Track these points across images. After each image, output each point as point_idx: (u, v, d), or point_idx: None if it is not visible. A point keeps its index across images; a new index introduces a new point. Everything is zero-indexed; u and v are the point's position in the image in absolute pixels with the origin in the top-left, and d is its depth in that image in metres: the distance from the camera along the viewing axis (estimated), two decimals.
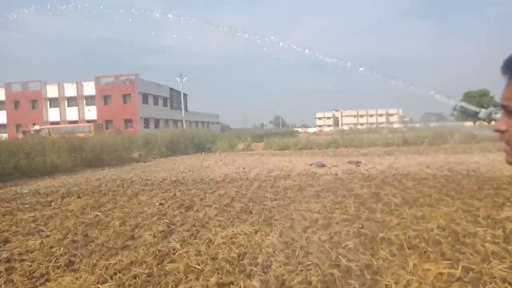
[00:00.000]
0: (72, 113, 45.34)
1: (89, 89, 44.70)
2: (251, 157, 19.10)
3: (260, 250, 4.04)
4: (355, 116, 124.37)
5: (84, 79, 45.47)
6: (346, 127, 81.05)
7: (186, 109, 49.98)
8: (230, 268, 3.55)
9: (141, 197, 7.83)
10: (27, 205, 7.43)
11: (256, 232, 4.72)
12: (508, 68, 0.83)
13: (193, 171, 12.99)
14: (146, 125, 44.56)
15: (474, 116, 1.59)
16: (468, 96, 45.01)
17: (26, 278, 3.52)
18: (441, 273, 3.12)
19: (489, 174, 9.42)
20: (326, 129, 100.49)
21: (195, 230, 5.04)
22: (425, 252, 3.75)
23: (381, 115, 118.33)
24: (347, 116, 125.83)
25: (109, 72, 49.67)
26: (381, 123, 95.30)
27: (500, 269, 3.16)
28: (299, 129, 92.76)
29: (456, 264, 3.32)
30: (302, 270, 3.41)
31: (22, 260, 4.04)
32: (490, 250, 3.69)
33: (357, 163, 13.55)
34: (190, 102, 56.80)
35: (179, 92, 47.51)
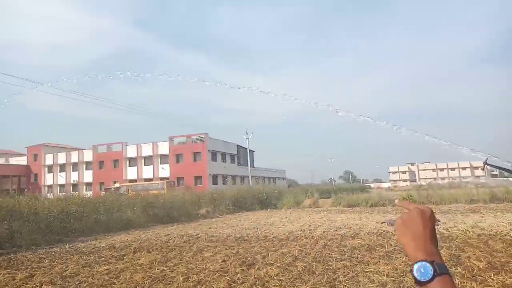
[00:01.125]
0: (147, 171, 48.91)
1: (163, 148, 48.31)
2: (317, 214, 18.56)
3: None
4: (433, 170, 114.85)
5: (159, 139, 49.47)
6: (424, 182, 75.49)
7: (252, 165, 51.19)
8: None
9: (205, 253, 7.94)
10: (103, 258, 7.93)
11: None
12: None
13: (257, 228, 12.94)
14: (215, 182, 46.18)
15: None
16: None
17: None
18: None
19: None
20: (402, 184, 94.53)
21: None
22: None
23: (464, 169, 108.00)
24: (424, 170, 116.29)
25: (181, 131, 53.31)
26: (465, 177, 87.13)
27: None
28: (372, 185, 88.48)
29: None
30: None
31: None
32: None
33: (436, 221, 12.42)
34: (257, 158, 58.21)
35: (246, 149, 49.12)
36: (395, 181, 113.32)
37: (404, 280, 5.09)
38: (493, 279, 4.85)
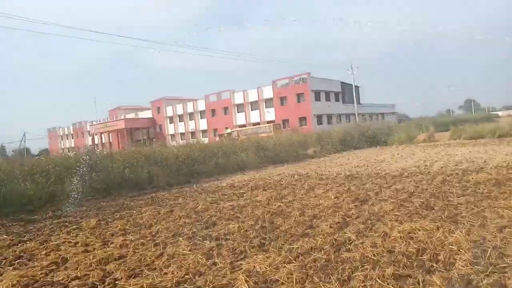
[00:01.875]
0: (254, 116, 51.08)
1: (268, 92, 49.39)
2: (434, 149, 17.32)
3: (443, 247, 3.77)
4: None
5: (263, 83, 50.53)
6: None
7: (358, 102, 49.06)
8: (408, 262, 3.48)
9: (317, 191, 8.30)
10: (226, 196, 8.94)
11: (438, 228, 4.40)
12: None
13: (367, 166, 12.79)
14: (319, 122, 45.95)
15: None
16: None
17: (230, 253, 4.34)
18: None
19: None
20: None
21: (371, 223, 5.07)
22: None
23: None
24: None
25: (284, 73, 53.38)
26: None
27: None
28: (500, 113, 77.24)
29: None
30: (494, 272, 3.04)
31: (226, 239, 4.99)
32: None
33: None
34: (363, 94, 55.42)
35: (351, 85, 47.02)
36: None
37: None
38: None
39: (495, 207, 5.35)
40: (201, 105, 57.05)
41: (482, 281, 2.90)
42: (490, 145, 16.40)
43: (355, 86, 47.03)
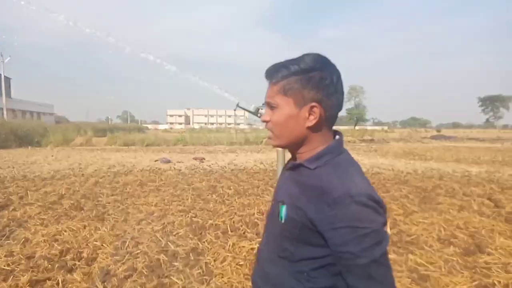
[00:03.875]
0: None
1: None
2: (90, 153, 17.55)
3: (87, 245, 3.88)
4: (205, 116, 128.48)
5: None
6: (197, 126, 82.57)
7: (9, 96, 42.08)
8: (49, 265, 3.31)
9: None
10: None
11: (84, 227, 4.49)
12: (268, 75, 1.08)
13: (13, 167, 11.16)
14: None
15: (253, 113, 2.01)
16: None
17: None
18: (252, 248, 3.65)
19: None
20: (178, 126, 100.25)
21: (9, 230, 4.44)
22: (243, 233, 4.29)
23: (230, 116, 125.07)
24: (198, 115, 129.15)
25: None
26: (229, 124, 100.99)
27: None
28: (149, 126, 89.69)
29: None
30: (129, 259, 3.45)
31: None
32: None
33: (201, 159, 14.08)
34: (17, 88, 48.04)
35: (0, 75, 39.62)
36: (172, 123, 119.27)
37: (169, 208, 5.73)
38: (236, 202, 6.14)
39: (137, 203, 6.11)
40: None
41: (118, 269, 3.22)
42: (139, 152, 18.60)
43: (5, 76, 40.08)
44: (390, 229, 4.44)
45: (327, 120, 1.05)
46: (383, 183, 8.36)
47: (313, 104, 1.00)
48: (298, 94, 1.01)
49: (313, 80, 1.00)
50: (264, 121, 1.09)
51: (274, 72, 1.05)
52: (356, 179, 0.96)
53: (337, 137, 1.08)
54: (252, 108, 1.72)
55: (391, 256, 3.63)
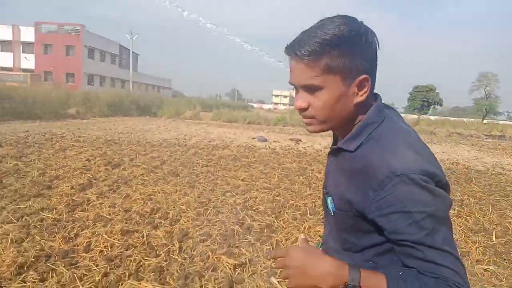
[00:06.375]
0: (6, 60, 41.49)
1: (28, 35, 41.01)
2: (196, 126, 19.04)
3: (174, 207, 4.23)
4: None
5: (22, 23, 41.48)
6: None
7: (135, 70, 47.89)
8: (140, 220, 3.71)
9: (68, 152, 7.61)
10: None
11: (176, 191, 4.89)
12: (297, 50, 0.84)
13: (131, 133, 12.74)
14: (90, 82, 42.11)
15: None
16: (417, 90, 47.65)
17: None
18: None
19: None
20: (281, 107, 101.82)
21: (116, 186, 5.09)
22: (322, 217, 4.17)
23: None
24: None
25: (52, 19, 45.61)
26: None
27: None
28: (255, 105, 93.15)
29: None
30: (207, 225, 3.65)
31: None
32: None
33: (297, 141, 14.10)
34: (143, 63, 54.41)
35: (129, 50, 45.17)
36: (276, 104, 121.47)
37: (255, 184, 5.88)
38: (322, 185, 5.98)
39: (226, 176, 6.42)
40: None
41: (195, 233, 3.44)
42: (240, 129, 19.48)
43: (133, 52, 45.49)
44: None
45: (372, 89, 0.89)
46: (502, 186, 7.24)
47: (363, 76, 0.85)
48: (344, 68, 0.83)
49: (356, 48, 0.83)
50: (300, 109, 0.89)
51: (308, 47, 0.83)
52: (403, 152, 0.80)
53: (376, 101, 0.92)
54: None
55: None
